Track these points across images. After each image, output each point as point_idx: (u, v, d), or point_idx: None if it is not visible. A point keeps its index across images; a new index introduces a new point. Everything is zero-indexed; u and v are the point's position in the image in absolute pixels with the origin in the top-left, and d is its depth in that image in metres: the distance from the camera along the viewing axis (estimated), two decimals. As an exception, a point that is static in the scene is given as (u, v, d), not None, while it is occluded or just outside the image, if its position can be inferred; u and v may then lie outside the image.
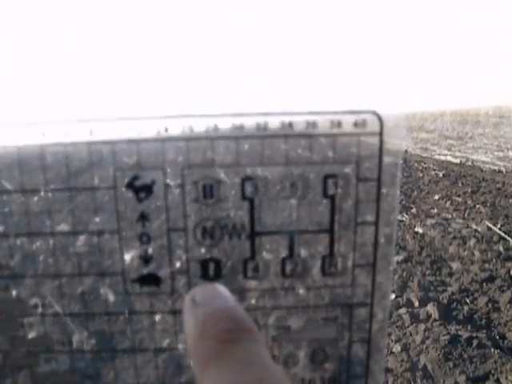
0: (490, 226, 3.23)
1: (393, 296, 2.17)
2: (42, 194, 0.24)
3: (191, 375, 0.26)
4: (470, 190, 4.44)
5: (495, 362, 1.68)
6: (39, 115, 0.23)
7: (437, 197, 4.30)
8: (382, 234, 0.25)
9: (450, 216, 3.64)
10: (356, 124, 0.24)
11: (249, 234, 0.24)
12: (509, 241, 2.90)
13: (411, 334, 1.91)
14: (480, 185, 4.69)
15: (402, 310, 2.08)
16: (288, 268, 0.25)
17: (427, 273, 2.52)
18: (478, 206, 3.89)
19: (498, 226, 3.22)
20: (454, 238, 3.06)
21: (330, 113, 0.23)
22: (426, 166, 6.15)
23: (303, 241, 0.25)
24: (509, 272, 2.43)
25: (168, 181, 0.24)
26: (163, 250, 0.25)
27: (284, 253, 0.25)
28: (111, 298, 0.25)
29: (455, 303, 2.14)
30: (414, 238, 3.09)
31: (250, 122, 0.23)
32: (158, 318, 0.25)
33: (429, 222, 3.46)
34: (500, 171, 5.51)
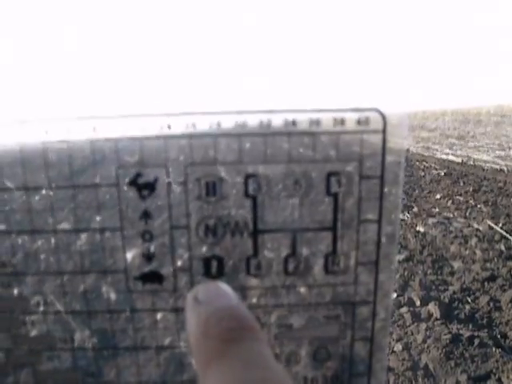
0: (492, 225, 3.23)
1: (394, 295, 2.17)
2: (45, 191, 0.24)
3: (193, 373, 0.26)
4: (471, 189, 4.43)
5: (497, 361, 1.68)
6: (42, 113, 0.23)
7: (438, 196, 4.30)
8: (385, 232, 0.25)
9: (451, 215, 3.64)
10: (359, 122, 0.23)
11: (251, 231, 0.24)
12: (510, 240, 2.90)
13: (412, 333, 1.91)
14: (481, 184, 4.69)
15: (404, 309, 2.08)
16: (290, 266, 0.25)
17: (428, 272, 2.52)
18: (479, 205, 3.89)
19: (500, 225, 3.21)
20: (456, 237, 3.06)
21: (333, 110, 0.23)
22: (427, 164, 6.14)
23: (306, 239, 0.25)
24: (510, 271, 2.43)
25: (171, 178, 0.24)
26: (166, 247, 0.24)
27: (286, 251, 0.25)
28: (113, 295, 0.25)
29: (457, 302, 2.14)
30: (415, 236, 3.09)
31: (252, 120, 0.23)
32: (160, 315, 0.25)
33: (430, 221, 3.46)
34: (501, 170, 5.51)
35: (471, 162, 6.20)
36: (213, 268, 0.25)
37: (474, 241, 2.92)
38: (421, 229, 3.29)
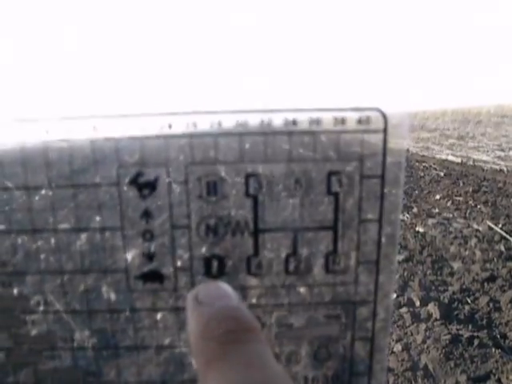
0: (492, 225, 3.23)
1: (394, 295, 2.17)
2: (45, 191, 0.24)
3: (193, 373, 0.26)
4: (471, 190, 4.43)
5: (496, 361, 1.68)
6: (42, 112, 0.23)
7: (438, 196, 4.30)
8: (385, 232, 0.25)
9: (451, 215, 3.64)
10: (360, 121, 0.23)
11: (252, 231, 0.24)
12: (510, 240, 2.90)
13: (412, 334, 1.91)
14: (481, 184, 4.69)
15: (403, 310, 2.08)
16: (291, 265, 0.25)
17: (428, 272, 2.52)
18: (479, 205, 3.89)
19: (500, 225, 3.21)
20: (455, 237, 3.06)
21: (334, 110, 0.23)
22: (427, 165, 6.14)
23: (306, 238, 0.25)
24: (510, 272, 2.43)
25: (171, 178, 0.24)
26: (166, 247, 0.24)
27: (287, 250, 0.25)
28: (114, 295, 0.25)
29: (456, 303, 2.14)
30: (415, 237, 3.09)
31: (253, 119, 0.23)
32: (160, 315, 0.25)
33: (430, 221, 3.46)
34: (501, 171, 5.51)
35: (471, 163, 6.20)
36: (213, 267, 0.25)
37: (473, 241, 2.92)
38: (420, 229, 3.29)
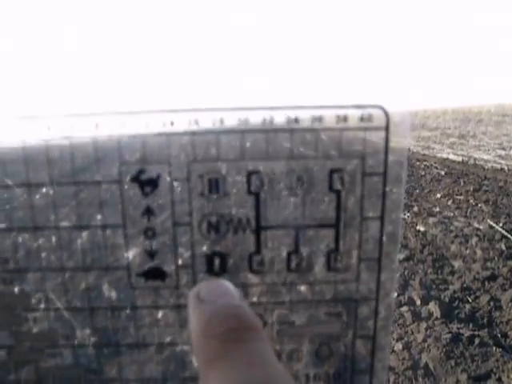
0: (492, 224, 3.22)
1: (395, 294, 2.17)
2: (47, 188, 0.24)
3: (194, 371, 0.26)
4: (472, 189, 4.43)
5: (497, 360, 1.68)
6: (44, 109, 0.23)
7: (439, 195, 4.30)
8: (387, 231, 0.24)
9: (451, 214, 3.64)
10: (362, 118, 0.23)
11: (254, 228, 0.24)
12: (511, 239, 2.89)
13: (413, 333, 1.91)
14: (482, 183, 4.69)
15: (404, 309, 2.08)
16: (293, 263, 0.25)
17: (429, 271, 2.52)
18: (480, 204, 3.89)
19: (500, 224, 3.21)
20: (456, 236, 3.05)
21: (336, 107, 0.23)
22: (427, 164, 6.14)
23: (308, 236, 0.25)
24: (511, 270, 2.42)
25: (173, 175, 0.24)
26: (168, 244, 0.24)
27: (289, 248, 0.25)
28: (115, 293, 0.25)
29: (457, 301, 2.14)
30: (415, 236, 3.09)
31: (255, 117, 0.23)
32: (162, 312, 0.25)
33: (431, 220, 3.46)
34: (502, 169, 5.50)
35: (472, 162, 6.20)
36: (215, 265, 0.25)
37: (474, 240, 2.92)
38: (421, 228, 3.29)
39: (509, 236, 2.95)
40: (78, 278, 0.25)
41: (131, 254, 0.24)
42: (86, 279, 0.25)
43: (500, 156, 6.68)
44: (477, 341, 1.78)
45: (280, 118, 0.23)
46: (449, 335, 1.82)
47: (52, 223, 0.24)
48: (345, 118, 0.23)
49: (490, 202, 3.91)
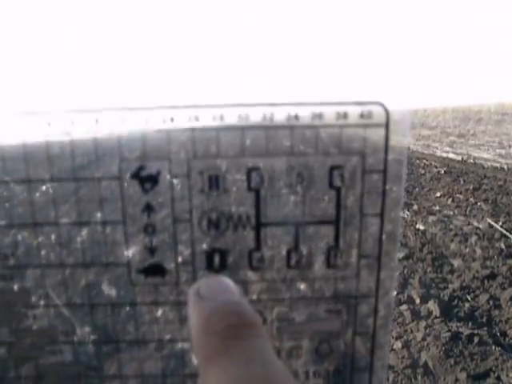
0: (492, 223, 3.23)
1: (394, 292, 2.18)
2: (47, 185, 0.24)
3: (194, 368, 0.26)
4: (471, 188, 4.43)
5: (496, 359, 1.68)
6: (44, 105, 0.23)
7: (438, 194, 4.30)
8: (386, 229, 0.24)
9: (451, 213, 3.64)
10: (362, 115, 0.23)
11: (254, 225, 0.24)
12: (510, 238, 2.90)
13: (412, 331, 1.91)
14: (482, 182, 4.69)
15: (403, 307, 2.08)
16: (292, 260, 0.25)
17: (428, 270, 2.52)
18: (479, 203, 3.89)
19: (500, 223, 3.21)
20: (456, 235, 3.06)
21: (336, 104, 0.23)
22: (427, 162, 6.14)
23: (308, 233, 0.25)
24: (510, 269, 2.43)
25: (173, 171, 0.24)
26: (168, 241, 0.24)
27: (289, 245, 0.25)
28: (115, 289, 0.25)
29: (456, 300, 2.15)
30: (415, 234, 3.09)
31: (255, 113, 0.23)
32: (162, 309, 0.25)
33: (430, 218, 3.46)
34: (502, 168, 5.51)
35: (471, 160, 6.20)
36: (215, 262, 0.25)
37: (473, 239, 2.92)
38: (421, 227, 3.29)
39: (508, 235, 2.95)
40: (77, 275, 0.25)
41: (131, 250, 0.24)
42: (86, 276, 0.25)
43: (500, 155, 6.68)
44: (476, 339, 1.79)
45: (280, 115, 0.23)
46: (448, 334, 1.83)
47: (52, 220, 0.24)
48: (345, 115, 0.23)
49: (490, 201, 3.92)
